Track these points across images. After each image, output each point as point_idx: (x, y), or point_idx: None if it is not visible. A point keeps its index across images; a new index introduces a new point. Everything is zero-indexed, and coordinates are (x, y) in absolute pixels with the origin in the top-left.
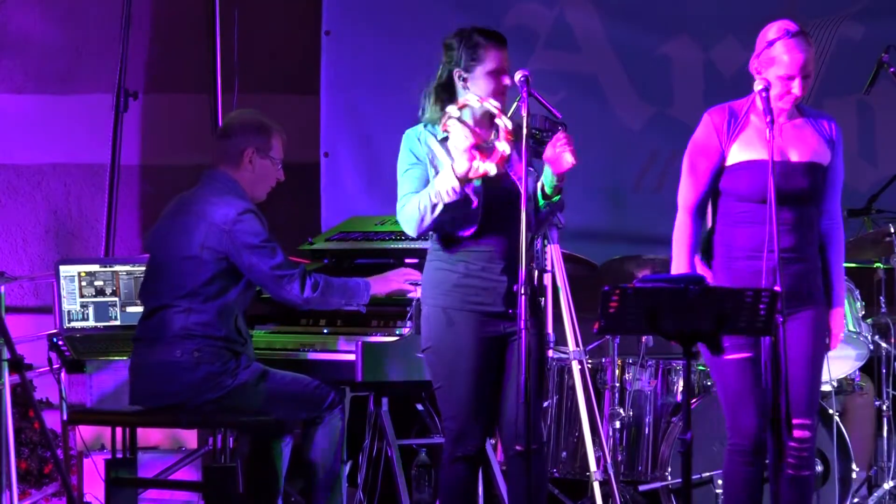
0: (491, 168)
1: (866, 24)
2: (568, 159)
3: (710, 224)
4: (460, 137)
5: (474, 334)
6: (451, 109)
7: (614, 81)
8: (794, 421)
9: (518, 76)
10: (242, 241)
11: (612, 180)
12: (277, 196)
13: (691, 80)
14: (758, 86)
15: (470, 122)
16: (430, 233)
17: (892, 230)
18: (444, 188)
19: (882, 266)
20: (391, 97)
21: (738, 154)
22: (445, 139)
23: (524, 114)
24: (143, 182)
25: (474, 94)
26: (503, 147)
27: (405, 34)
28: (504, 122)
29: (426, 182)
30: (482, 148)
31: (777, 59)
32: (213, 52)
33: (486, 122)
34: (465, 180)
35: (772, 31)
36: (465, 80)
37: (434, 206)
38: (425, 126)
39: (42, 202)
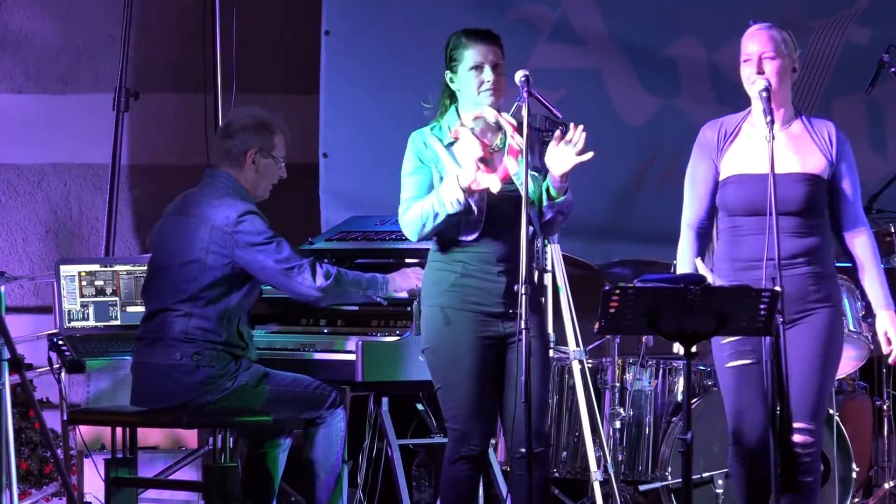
0: (495, 184)
1: (872, 27)
2: (569, 160)
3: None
4: (470, 148)
5: (472, 334)
6: (466, 119)
7: (618, 73)
8: (796, 425)
9: (519, 76)
10: (246, 241)
11: (614, 178)
12: (277, 196)
13: (697, 80)
14: (759, 86)
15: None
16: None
17: (893, 230)
18: (449, 199)
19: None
20: (391, 97)
21: (728, 168)
22: (451, 144)
23: (524, 114)
24: (144, 182)
25: (467, 93)
26: (511, 165)
27: (405, 33)
28: (516, 142)
29: (429, 188)
30: (488, 161)
31: (741, 48)
32: (213, 52)
33: (495, 128)
34: (468, 192)
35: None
36: (452, 80)
37: (436, 215)
38: (432, 129)
39: (42, 202)
